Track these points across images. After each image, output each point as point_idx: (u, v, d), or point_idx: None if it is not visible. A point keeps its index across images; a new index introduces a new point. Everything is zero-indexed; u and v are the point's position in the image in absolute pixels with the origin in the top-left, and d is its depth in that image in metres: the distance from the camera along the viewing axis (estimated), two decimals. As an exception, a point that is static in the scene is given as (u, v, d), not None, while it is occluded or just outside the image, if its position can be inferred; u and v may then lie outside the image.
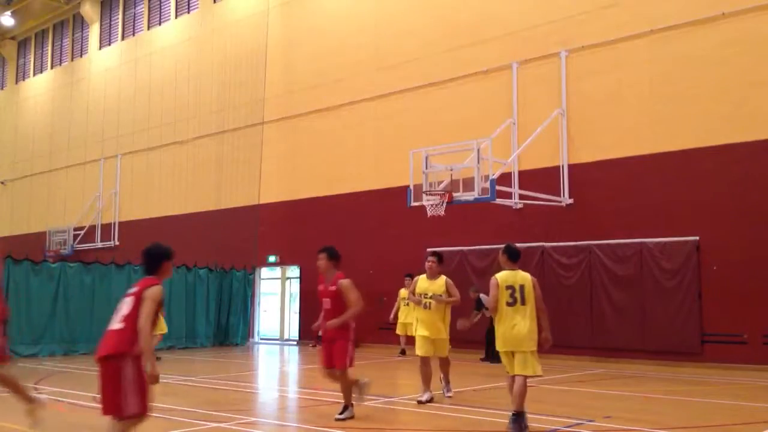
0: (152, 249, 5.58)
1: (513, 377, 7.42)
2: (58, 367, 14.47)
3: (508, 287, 7.57)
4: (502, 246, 7.89)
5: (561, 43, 16.86)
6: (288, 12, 23.42)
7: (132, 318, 5.18)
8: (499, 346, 7.57)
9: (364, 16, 21.18)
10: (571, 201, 16.36)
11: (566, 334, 15.92)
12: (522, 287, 7.58)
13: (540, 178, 16.66)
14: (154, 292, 5.26)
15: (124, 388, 5.15)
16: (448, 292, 9.68)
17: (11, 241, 32.14)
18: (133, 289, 5.34)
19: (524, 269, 7.85)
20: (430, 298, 9.61)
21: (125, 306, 5.27)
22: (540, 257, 16.45)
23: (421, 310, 9.73)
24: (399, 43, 20.05)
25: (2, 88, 37.75)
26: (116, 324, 5.24)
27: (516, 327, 7.45)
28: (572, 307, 15.90)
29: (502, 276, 7.64)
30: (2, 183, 35.87)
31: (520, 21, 17.68)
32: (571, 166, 16.47)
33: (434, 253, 10.03)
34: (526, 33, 17.55)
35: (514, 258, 7.75)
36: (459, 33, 18.80)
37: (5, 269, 16.50)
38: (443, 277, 9.81)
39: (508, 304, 7.52)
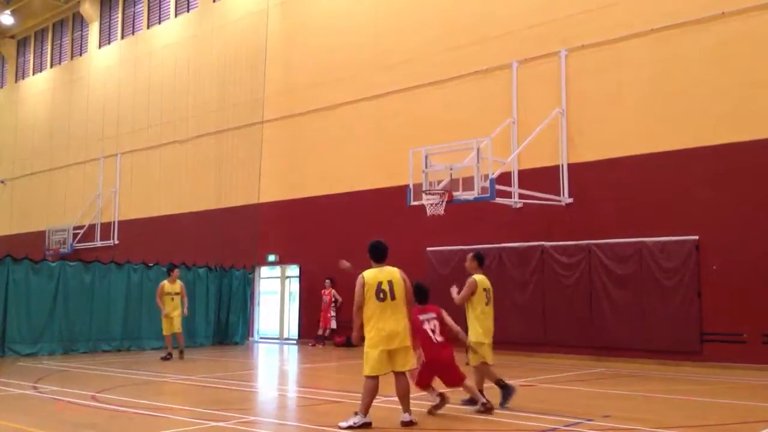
0: (423, 286, 8.55)
1: (487, 363, 8.97)
2: (58, 366, 14.46)
3: (485, 289, 9.07)
4: (472, 252, 9.39)
5: (561, 42, 16.85)
6: (287, 11, 23.42)
7: (444, 332, 8.42)
8: (484, 338, 8.91)
9: (363, 15, 21.17)
10: (570, 200, 16.36)
11: (566, 333, 15.95)
12: (491, 289, 9.20)
13: (540, 178, 16.65)
14: (443, 311, 8.58)
15: (457, 368, 8.39)
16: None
17: (11, 240, 32.18)
18: (431, 315, 8.45)
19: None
20: None
21: (436, 326, 8.40)
22: (540, 256, 16.44)
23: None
24: (399, 42, 20.05)
25: (2, 87, 37.73)
26: (439, 338, 8.34)
27: (491, 322, 9.14)
28: (572, 306, 15.90)
29: (481, 279, 9.07)
30: (2, 182, 35.86)
31: (520, 20, 17.67)
32: (570, 166, 16.47)
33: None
34: (526, 32, 17.55)
35: (483, 263, 9.34)
36: (459, 32, 18.79)
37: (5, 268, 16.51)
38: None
39: (486, 304, 9.05)
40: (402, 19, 20.16)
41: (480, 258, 9.30)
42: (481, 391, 8.65)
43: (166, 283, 16.25)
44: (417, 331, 8.11)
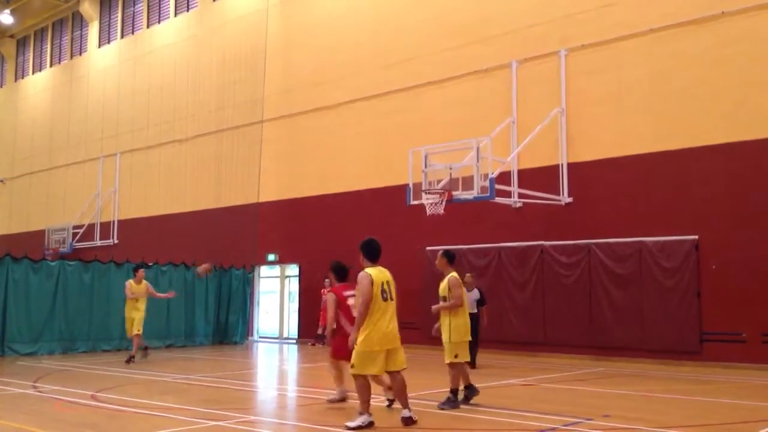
0: (343, 265, 9.29)
1: (464, 363, 8.99)
2: (58, 366, 14.46)
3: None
4: (441, 250, 9.26)
5: (561, 42, 16.85)
6: (287, 10, 23.41)
7: None
8: (465, 337, 8.89)
9: (363, 14, 21.17)
10: (570, 200, 16.36)
11: (565, 333, 15.95)
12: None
13: (539, 177, 16.65)
14: None
15: None
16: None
17: (10, 239, 32.16)
18: (352, 292, 8.55)
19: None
20: None
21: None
22: (539, 256, 16.44)
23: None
24: (398, 42, 20.04)
25: (1, 86, 37.71)
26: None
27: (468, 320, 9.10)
28: (571, 306, 15.90)
29: (458, 277, 9.06)
30: (2, 181, 35.85)
31: (519, 20, 17.68)
32: (570, 165, 16.47)
33: None
34: (525, 32, 17.55)
35: (453, 260, 9.18)
36: (459, 31, 18.79)
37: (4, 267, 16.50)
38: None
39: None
40: (402, 19, 20.15)
41: (449, 256, 9.14)
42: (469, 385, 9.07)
43: (132, 282, 15.43)
44: (341, 307, 8.75)
